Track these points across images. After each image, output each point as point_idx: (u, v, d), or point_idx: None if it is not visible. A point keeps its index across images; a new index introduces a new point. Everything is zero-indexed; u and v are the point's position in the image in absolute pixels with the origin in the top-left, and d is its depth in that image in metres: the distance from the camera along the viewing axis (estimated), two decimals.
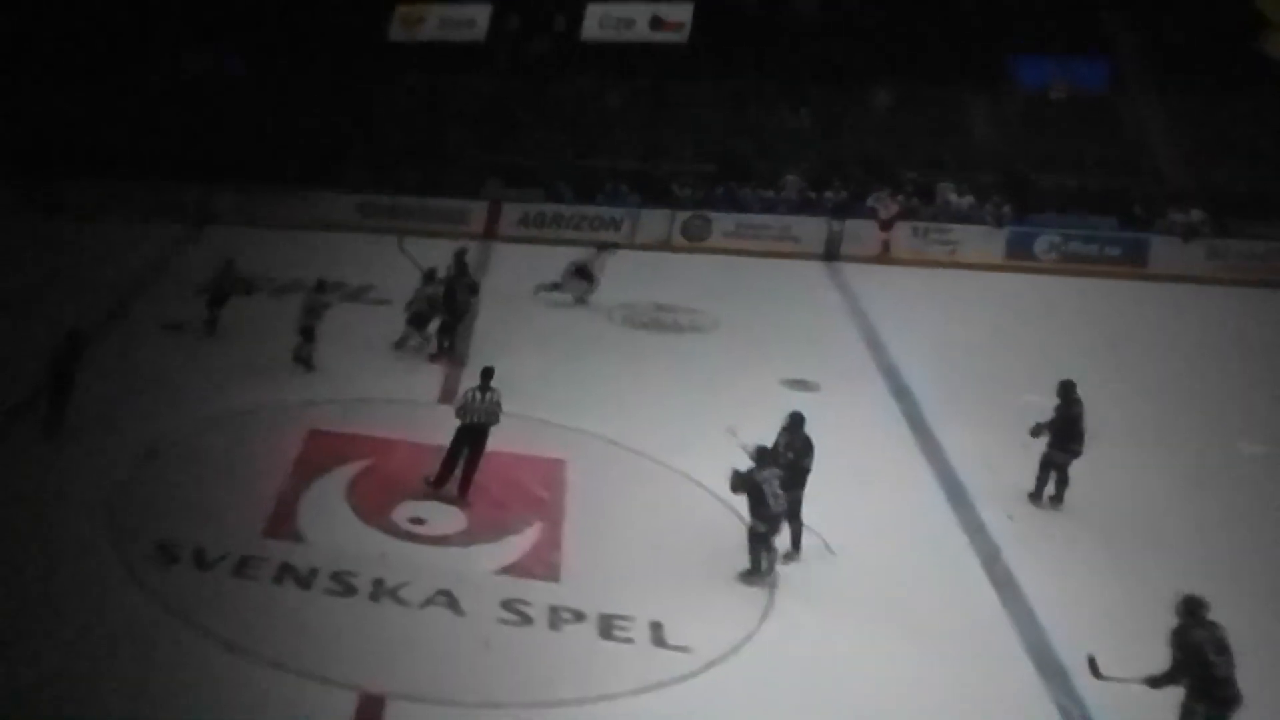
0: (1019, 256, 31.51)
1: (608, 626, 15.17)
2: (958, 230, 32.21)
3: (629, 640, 14.93)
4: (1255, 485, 19.23)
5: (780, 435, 16.76)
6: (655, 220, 33.69)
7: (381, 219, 34.45)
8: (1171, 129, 33.93)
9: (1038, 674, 14.40)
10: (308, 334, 22.82)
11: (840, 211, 33.03)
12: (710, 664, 14.51)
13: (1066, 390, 18.09)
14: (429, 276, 24.12)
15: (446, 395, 21.88)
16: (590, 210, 34.30)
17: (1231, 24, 32.79)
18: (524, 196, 35.35)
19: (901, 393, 22.49)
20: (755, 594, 15.95)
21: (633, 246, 32.07)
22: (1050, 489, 18.15)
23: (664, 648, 14.78)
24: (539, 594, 15.84)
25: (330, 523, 17.60)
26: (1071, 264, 31.04)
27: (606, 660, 14.62)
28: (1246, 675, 12.06)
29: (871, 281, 29.71)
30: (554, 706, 13.71)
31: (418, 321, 23.86)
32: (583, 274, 27.19)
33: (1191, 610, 12.37)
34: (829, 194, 33.90)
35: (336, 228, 33.78)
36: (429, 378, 22.97)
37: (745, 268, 31.06)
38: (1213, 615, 12.21)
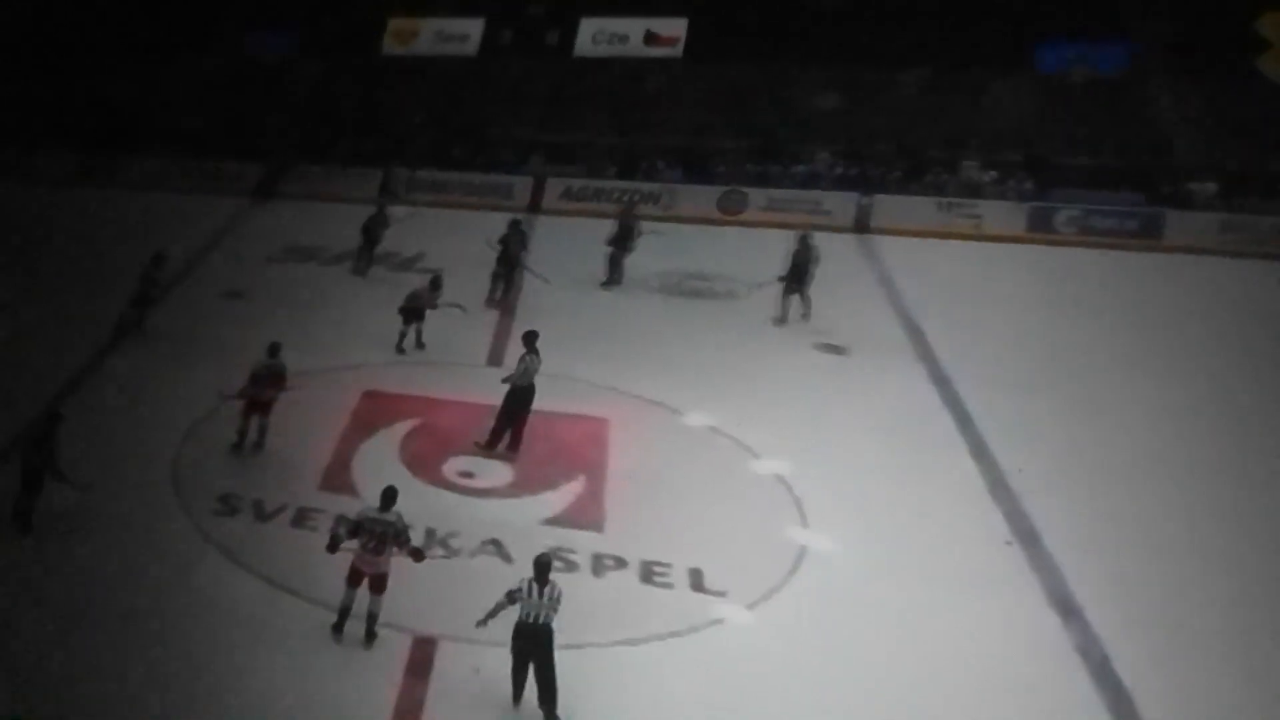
0: (1040, 229, 31.70)
1: (648, 572, 15.72)
2: (981, 205, 32.52)
3: (669, 585, 15.47)
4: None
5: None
6: (693, 195, 33.97)
7: (430, 193, 34.84)
8: (1185, 110, 34.05)
9: (1056, 616, 14.87)
10: (141, 300, 23.05)
11: (870, 187, 33.33)
12: (748, 606, 15.10)
13: (804, 240, 24.43)
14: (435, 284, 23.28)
15: (494, 358, 22.35)
16: (630, 185, 34.51)
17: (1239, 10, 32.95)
18: (566, 172, 35.57)
19: (925, 355, 22.83)
20: (789, 542, 16.49)
21: (671, 219, 32.35)
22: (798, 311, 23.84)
23: (703, 592, 15.32)
24: (583, 543, 16.39)
25: (383, 477, 17.30)
26: (1090, 237, 31.14)
27: (647, 604, 15.17)
28: None
29: (899, 253, 29.90)
30: (598, 647, 14.19)
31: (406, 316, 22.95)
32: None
33: None
34: (855, 170, 34.17)
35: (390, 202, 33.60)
36: (478, 342, 23.29)
37: (779, 240, 30.56)
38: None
